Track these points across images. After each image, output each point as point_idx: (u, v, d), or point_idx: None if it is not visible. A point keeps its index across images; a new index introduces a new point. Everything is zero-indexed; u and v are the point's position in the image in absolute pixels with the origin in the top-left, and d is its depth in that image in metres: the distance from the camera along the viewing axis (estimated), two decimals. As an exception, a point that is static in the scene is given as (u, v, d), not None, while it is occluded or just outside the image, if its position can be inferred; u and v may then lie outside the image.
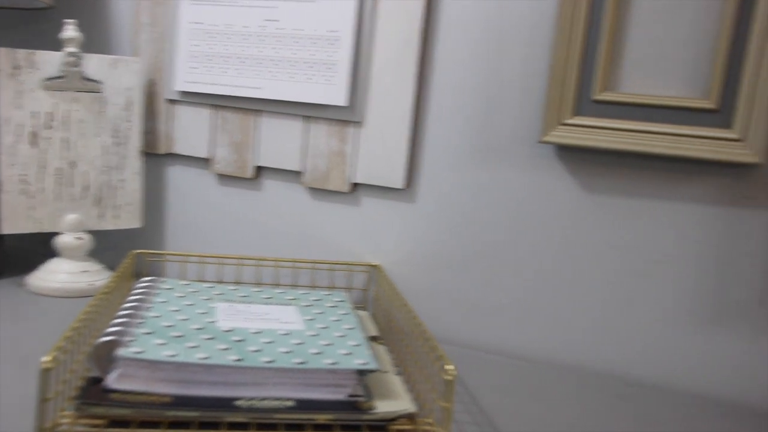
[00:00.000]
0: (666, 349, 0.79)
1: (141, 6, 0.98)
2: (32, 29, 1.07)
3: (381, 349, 0.73)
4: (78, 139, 0.91)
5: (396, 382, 0.64)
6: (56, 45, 0.90)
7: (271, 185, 0.96)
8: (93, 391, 0.54)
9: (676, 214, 0.77)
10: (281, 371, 0.57)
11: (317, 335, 0.65)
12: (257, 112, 0.94)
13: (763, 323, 0.75)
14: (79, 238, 0.91)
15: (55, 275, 0.89)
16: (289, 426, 0.56)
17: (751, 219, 0.74)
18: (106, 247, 1.00)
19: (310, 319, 0.70)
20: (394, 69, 0.86)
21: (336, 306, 0.76)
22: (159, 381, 0.55)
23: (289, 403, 0.56)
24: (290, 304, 0.75)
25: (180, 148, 0.99)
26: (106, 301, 0.68)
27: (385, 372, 0.66)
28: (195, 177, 1.00)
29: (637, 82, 0.75)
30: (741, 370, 0.76)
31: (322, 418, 0.56)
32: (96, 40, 1.03)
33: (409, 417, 0.58)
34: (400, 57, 0.85)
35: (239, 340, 0.61)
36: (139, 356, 0.54)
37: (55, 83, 0.89)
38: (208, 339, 0.60)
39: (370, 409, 0.57)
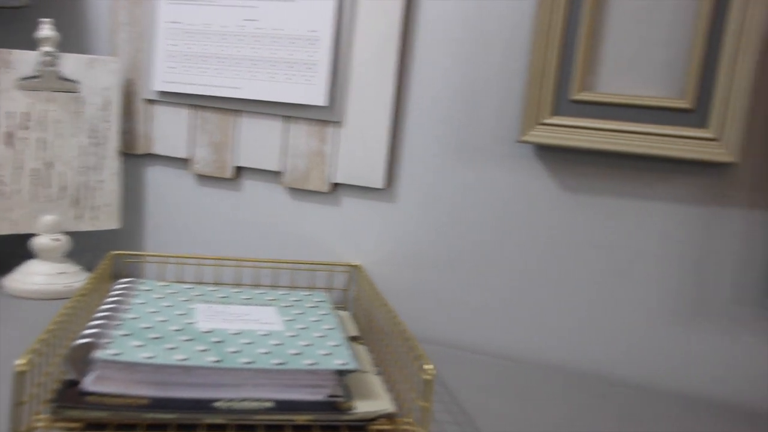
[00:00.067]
0: (647, 347, 0.80)
1: (118, 5, 0.97)
2: (7, 28, 1.05)
3: (361, 349, 0.73)
4: (55, 140, 0.90)
5: (376, 382, 0.64)
6: (32, 44, 0.89)
7: (250, 185, 0.96)
8: (69, 394, 0.53)
9: (655, 213, 0.78)
10: (260, 372, 0.57)
11: (297, 336, 0.65)
12: (236, 112, 0.93)
13: (742, 321, 0.76)
14: (56, 240, 0.90)
15: (32, 277, 0.88)
16: (268, 427, 0.56)
17: (727, 217, 0.75)
18: (84, 248, 0.99)
19: (290, 320, 0.69)
20: (374, 69, 0.86)
21: (316, 306, 0.76)
22: (136, 383, 0.54)
23: (268, 404, 0.56)
24: (270, 305, 0.74)
25: (159, 149, 0.98)
26: (83, 303, 0.67)
27: (365, 372, 0.66)
28: (174, 177, 1.00)
29: (615, 82, 0.75)
30: (720, 368, 0.77)
31: (301, 418, 0.56)
32: (73, 40, 1.02)
33: (389, 417, 0.58)
34: (379, 57, 0.85)
35: (218, 341, 0.61)
36: (116, 358, 0.54)
37: (30, 83, 0.88)
38: (187, 340, 0.60)
39: (350, 409, 0.57)
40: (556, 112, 0.76)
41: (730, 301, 0.76)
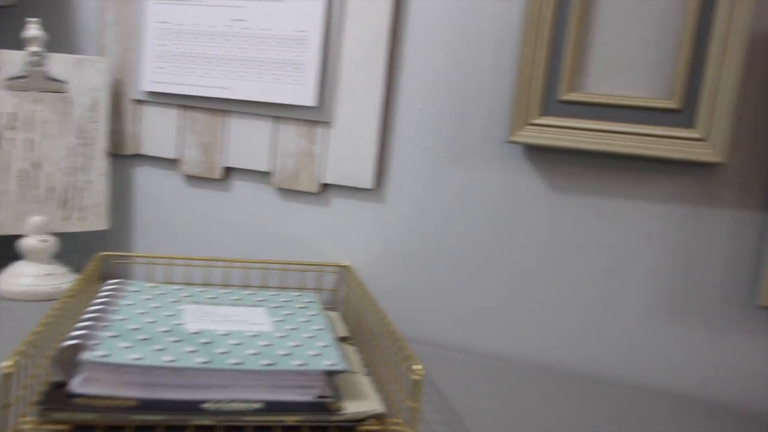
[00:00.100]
0: (636, 347, 0.80)
1: (106, 5, 0.97)
2: (-6, 28, 1.05)
3: (350, 349, 0.73)
4: (42, 140, 0.90)
5: (365, 382, 0.64)
6: (19, 44, 0.89)
7: (240, 186, 0.95)
8: (56, 396, 0.53)
9: (643, 213, 0.78)
10: (249, 373, 0.56)
11: (286, 336, 0.65)
12: (225, 112, 0.93)
13: (730, 320, 0.76)
14: (44, 241, 0.89)
15: (20, 278, 0.87)
16: (257, 428, 0.56)
17: (715, 217, 0.76)
18: (72, 249, 0.99)
19: (279, 321, 0.69)
20: (363, 69, 0.86)
21: (305, 307, 0.76)
22: (124, 385, 0.54)
23: (257, 405, 0.56)
24: (259, 306, 0.74)
25: (147, 149, 0.98)
26: (71, 305, 0.67)
27: (354, 373, 0.66)
28: (163, 178, 0.99)
29: (603, 83, 0.76)
30: (708, 367, 0.78)
31: (290, 419, 0.56)
32: (60, 40, 1.01)
33: (378, 417, 0.58)
34: (368, 57, 0.85)
35: (207, 342, 0.61)
36: (104, 360, 0.54)
37: (17, 83, 0.88)
38: (175, 341, 0.60)
39: (339, 410, 0.57)
40: (545, 112, 0.76)
41: (719, 300, 0.77)
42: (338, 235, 0.91)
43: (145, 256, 0.88)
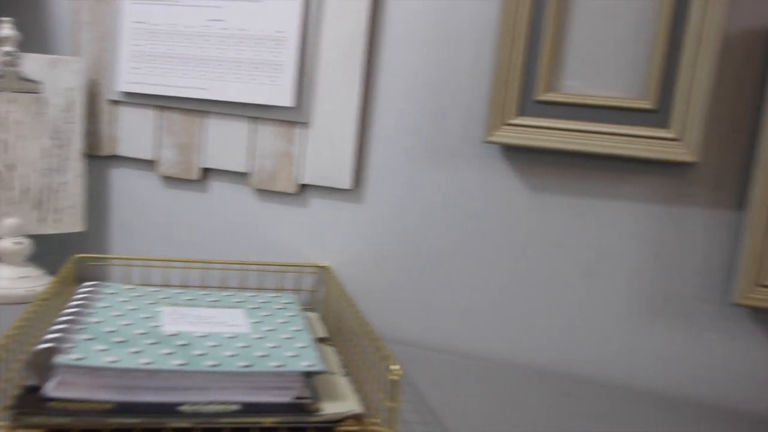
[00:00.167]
0: (613, 345, 0.81)
1: (81, 4, 0.96)
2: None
3: (329, 350, 0.73)
4: (16, 141, 0.89)
5: (344, 383, 0.64)
6: (-8, 44, 0.88)
7: (217, 187, 0.95)
8: (30, 400, 0.52)
9: (619, 213, 0.79)
10: (226, 375, 0.56)
11: (264, 338, 0.64)
12: (203, 113, 0.92)
13: (705, 318, 0.77)
14: (19, 243, 0.88)
15: (-7, 281, 0.86)
16: (234, 430, 0.55)
17: (690, 216, 0.77)
18: (47, 251, 0.97)
19: (257, 322, 0.69)
20: (341, 69, 0.85)
21: (284, 308, 0.75)
22: (100, 388, 0.54)
23: (235, 407, 0.55)
24: (237, 307, 0.74)
25: (124, 150, 0.97)
26: (45, 307, 0.66)
27: (333, 373, 0.66)
28: (139, 179, 0.98)
29: (579, 83, 0.76)
30: (684, 365, 0.78)
31: (268, 421, 0.56)
32: (34, 39, 1.00)
33: (356, 418, 0.58)
34: (346, 57, 0.85)
35: (184, 344, 0.60)
36: (79, 363, 0.53)
37: (-9, 83, 0.86)
38: (152, 344, 0.59)
39: (317, 411, 0.57)
40: (522, 112, 0.77)
41: (695, 298, 0.77)
42: (317, 236, 0.91)
43: (121, 258, 0.87)
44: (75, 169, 0.93)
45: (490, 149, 0.82)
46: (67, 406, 0.52)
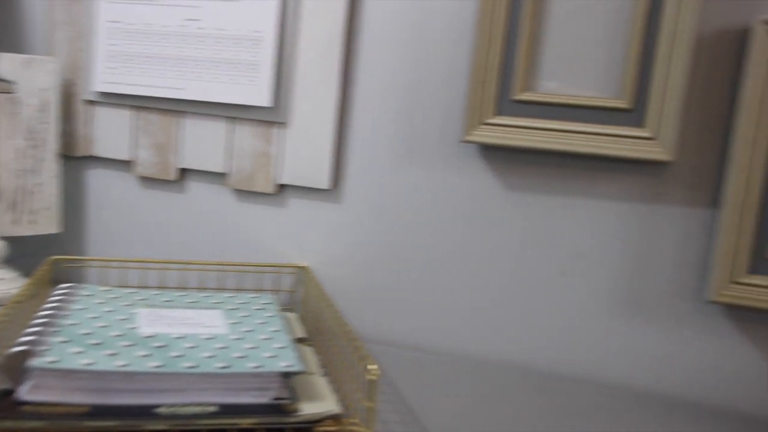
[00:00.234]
0: (590, 342, 0.81)
1: (56, 3, 0.95)
2: (-61, 27, 1.02)
3: (308, 350, 0.73)
4: (-10, 142, 0.87)
5: (322, 383, 0.64)
6: (-36, 44, 0.86)
7: (195, 187, 0.94)
8: (3, 404, 0.52)
9: (596, 211, 0.80)
10: (204, 376, 0.56)
11: (242, 338, 0.64)
12: (180, 113, 0.92)
13: (680, 315, 0.78)
14: (-7, 245, 0.87)
15: (-33, 284, 0.85)
16: (212, 431, 0.55)
17: (665, 214, 0.77)
18: (22, 253, 0.96)
19: (235, 323, 0.69)
20: (319, 69, 0.85)
21: (262, 309, 0.75)
22: (75, 391, 0.53)
23: (212, 409, 0.55)
24: (215, 308, 0.73)
25: (100, 151, 0.96)
26: (19, 310, 0.65)
27: (312, 374, 0.66)
28: (116, 180, 0.98)
29: (556, 83, 0.77)
30: (660, 361, 0.79)
31: (246, 422, 0.55)
32: (8, 39, 0.99)
33: (335, 418, 0.58)
34: (324, 57, 0.85)
35: (161, 346, 0.60)
36: (53, 366, 0.52)
37: (-37, 84, 0.85)
38: (128, 346, 0.59)
39: (295, 411, 0.57)
40: (499, 112, 0.77)
41: (670, 295, 0.78)
42: (295, 236, 0.91)
43: (98, 260, 0.86)
44: (50, 170, 0.92)
45: (467, 149, 0.83)
46: (41, 410, 0.52)
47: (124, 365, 0.54)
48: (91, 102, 0.96)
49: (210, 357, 0.58)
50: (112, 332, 0.62)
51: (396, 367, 0.77)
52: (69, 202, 1.00)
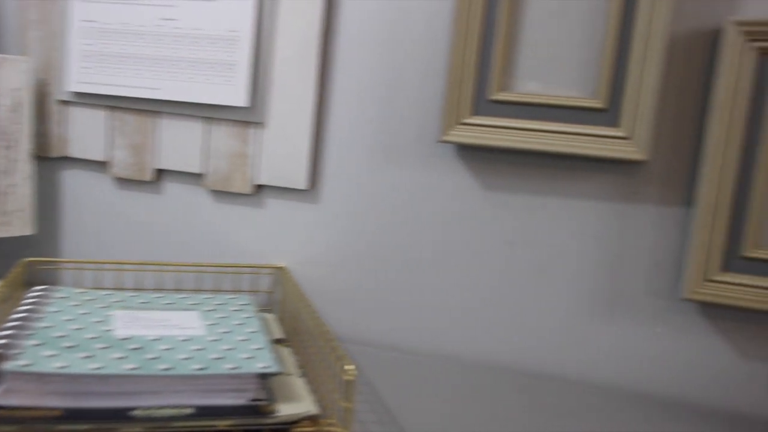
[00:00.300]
0: (567, 341, 0.82)
1: (28, 2, 0.94)
2: None
3: (286, 351, 0.73)
4: (-39, 143, 0.86)
5: (300, 384, 0.64)
6: (-65, 43, 0.85)
7: (172, 188, 0.94)
8: (-25, 408, 0.51)
9: (572, 210, 0.80)
10: (180, 378, 0.56)
11: (219, 340, 0.64)
12: (156, 113, 0.91)
13: (654, 313, 0.79)
14: (-35, 247, 0.86)
15: (-61, 287, 0.84)
16: (188, 434, 0.55)
17: (640, 213, 0.78)
18: (-5, 255, 0.95)
19: (212, 324, 0.68)
20: (296, 69, 0.85)
21: (240, 310, 0.75)
22: (48, 394, 0.53)
23: (189, 411, 0.55)
24: (192, 309, 0.73)
25: (74, 151, 0.95)
26: (-8, 313, 0.64)
27: (289, 375, 0.65)
28: (91, 181, 0.97)
29: (532, 83, 0.77)
30: (636, 358, 0.80)
31: (222, 424, 0.55)
32: (-20, 38, 0.97)
33: (312, 419, 0.58)
34: (301, 57, 0.85)
35: (137, 348, 0.59)
36: (26, 369, 0.52)
37: (-66, 83, 0.84)
38: (104, 348, 0.58)
39: (272, 412, 0.56)
40: (476, 111, 0.77)
41: (645, 294, 0.79)
42: (273, 237, 0.90)
43: (73, 262, 0.86)
44: (23, 171, 0.91)
45: (444, 148, 0.83)
46: (14, 414, 0.51)
47: (99, 368, 0.54)
48: (66, 102, 0.95)
49: (186, 359, 0.58)
50: (87, 335, 0.61)
51: (373, 368, 0.77)
52: (43, 204, 0.98)
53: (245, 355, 0.60)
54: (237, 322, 0.70)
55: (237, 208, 0.91)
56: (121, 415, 0.53)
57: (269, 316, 0.84)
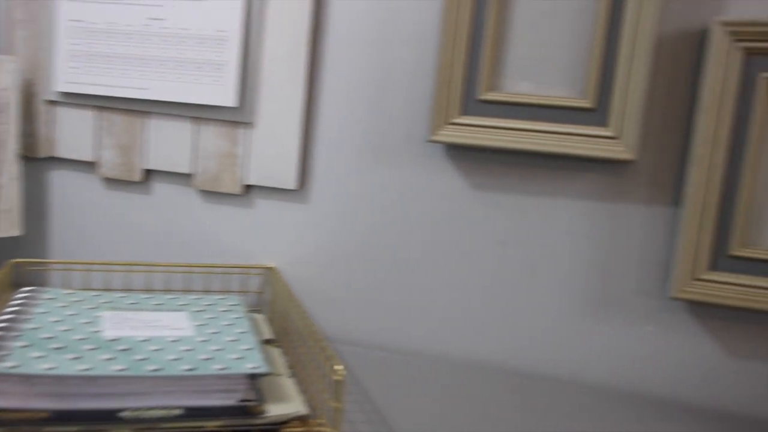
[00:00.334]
0: (556, 340, 0.82)
1: (15, 2, 0.93)
2: None
3: (275, 352, 0.72)
4: (-53, 143, 0.86)
5: (289, 384, 0.64)
6: None
7: (160, 188, 0.93)
8: (-38, 411, 0.51)
9: (561, 210, 0.80)
10: (168, 379, 0.55)
11: (208, 340, 0.64)
12: (144, 113, 0.91)
13: (643, 312, 0.79)
14: (-49, 249, 0.85)
15: (-75, 289, 0.83)
16: (177, 435, 0.55)
17: (628, 212, 0.78)
18: (-18, 257, 0.94)
19: (202, 325, 0.68)
20: (284, 69, 0.85)
21: (229, 310, 0.75)
22: (36, 396, 0.52)
23: (178, 412, 0.55)
24: (181, 310, 0.73)
25: (62, 152, 0.95)
26: (-21, 315, 0.64)
27: (279, 375, 0.65)
28: (79, 181, 0.96)
29: (521, 83, 0.77)
30: (625, 357, 0.80)
31: (211, 425, 0.55)
32: (-33, 38, 0.97)
33: (301, 419, 0.58)
34: (290, 57, 0.85)
35: (125, 349, 0.59)
36: (13, 371, 0.52)
37: None
38: (92, 349, 0.58)
39: (262, 413, 0.56)
40: (465, 111, 0.78)
41: (634, 293, 0.79)
42: (262, 237, 0.90)
43: (61, 263, 0.85)
44: (10, 171, 0.91)
45: (434, 148, 0.83)
46: (1, 416, 0.51)
47: (87, 369, 0.54)
48: (53, 102, 0.94)
49: (175, 360, 0.58)
50: (76, 336, 0.61)
51: (363, 368, 0.77)
52: (31, 204, 0.98)
53: (234, 356, 0.60)
54: (226, 323, 0.70)
55: (226, 209, 0.91)
56: (109, 416, 0.53)
57: (258, 317, 0.84)
